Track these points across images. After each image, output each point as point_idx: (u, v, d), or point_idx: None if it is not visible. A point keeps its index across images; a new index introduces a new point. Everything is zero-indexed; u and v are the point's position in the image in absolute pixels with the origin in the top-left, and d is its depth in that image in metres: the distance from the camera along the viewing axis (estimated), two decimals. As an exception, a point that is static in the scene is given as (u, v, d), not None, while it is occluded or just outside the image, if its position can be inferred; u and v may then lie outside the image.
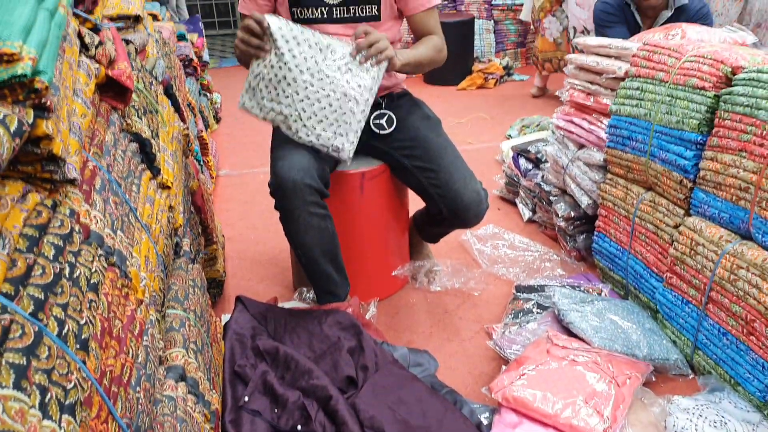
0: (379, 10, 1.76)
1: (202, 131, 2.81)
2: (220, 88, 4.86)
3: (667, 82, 1.70)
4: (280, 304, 1.90)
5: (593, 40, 2.09)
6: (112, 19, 1.51)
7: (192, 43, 3.56)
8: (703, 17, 2.53)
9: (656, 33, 2.08)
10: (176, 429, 0.92)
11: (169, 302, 1.18)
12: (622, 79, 1.92)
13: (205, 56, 4.04)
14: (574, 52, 2.24)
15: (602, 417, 1.30)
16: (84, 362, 0.64)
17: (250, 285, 2.21)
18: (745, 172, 1.43)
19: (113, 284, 0.79)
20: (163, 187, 1.20)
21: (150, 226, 1.06)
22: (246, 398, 1.47)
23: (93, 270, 0.73)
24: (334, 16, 1.75)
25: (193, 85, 3.14)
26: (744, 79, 1.46)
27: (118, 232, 0.88)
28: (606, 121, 2.01)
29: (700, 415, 1.31)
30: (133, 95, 1.14)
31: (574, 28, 4.11)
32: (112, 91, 1.03)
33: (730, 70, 1.52)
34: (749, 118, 1.43)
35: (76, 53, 0.88)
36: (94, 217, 0.81)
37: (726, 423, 1.29)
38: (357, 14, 1.76)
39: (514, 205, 2.75)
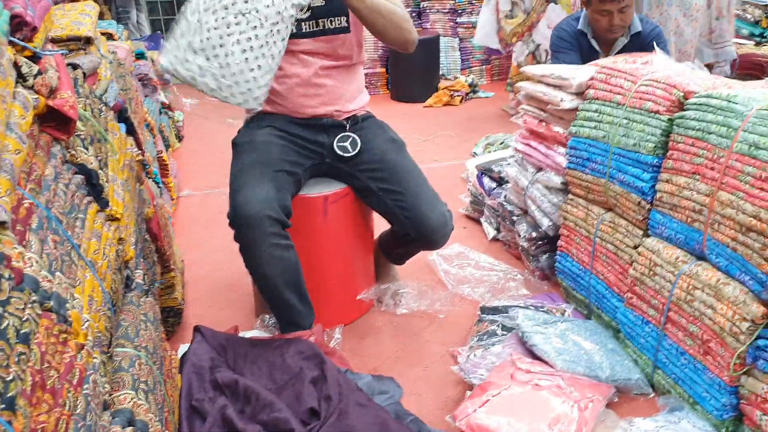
0: (348, 21, 1.74)
1: (161, 152, 2.74)
2: (183, 105, 4.79)
3: (623, 105, 1.73)
4: (241, 333, 1.86)
5: (539, 69, 2.12)
6: (61, 41, 1.46)
7: (152, 61, 3.50)
8: (656, 37, 2.61)
9: (618, 59, 2.11)
10: (123, 477, 0.88)
11: (118, 340, 1.13)
12: (568, 110, 1.95)
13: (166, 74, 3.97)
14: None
15: (565, 443, 1.29)
16: (10, 423, 0.60)
17: (210, 312, 2.15)
18: (699, 195, 1.46)
19: (48, 332, 0.75)
20: (112, 219, 1.16)
21: (96, 262, 1.01)
22: (204, 433, 1.42)
23: (24, 319, 0.69)
24: (303, 30, 1.72)
25: (153, 104, 3.07)
26: (695, 103, 1.50)
27: (57, 273, 0.83)
28: (559, 148, 2.03)
29: (660, 439, 1.31)
30: (79, 124, 1.10)
31: (546, 51, 4.18)
32: (55, 121, 0.99)
33: (682, 94, 1.56)
34: (701, 142, 1.46)
35: (11, 84, 0.84)
36: (29, 259, 0.77)
37: (685, 445, 1.30)
38: (326, 27, 1.74)
39: (480, 223, 2.75)
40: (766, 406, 1.30)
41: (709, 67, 3.59)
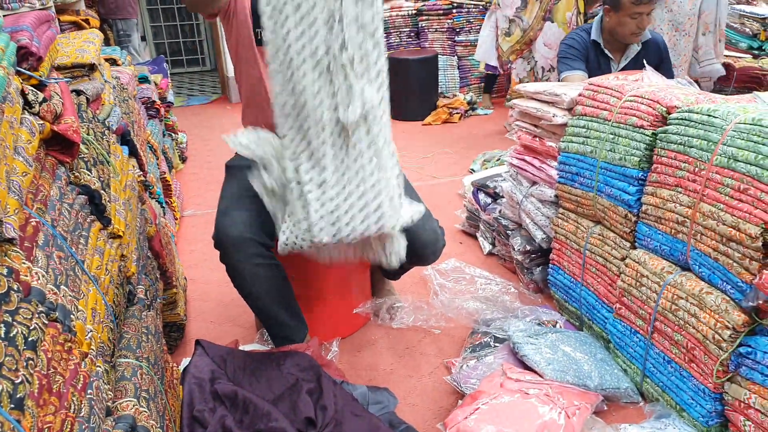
0: None
1: (165, 173, 2.82)
2: (187, 127, 4.88)
3: (610, 120, 1.79)
4: (240, 347, 1.91)
5: (531, 86, 2.20)
6: (66, 68, 1.54)
7: (155, 85, 3.59)
8: (663, 45, 2.73)
9: (619, 76, 2.18)
10: (124, 481, 0.93)
11: (120, 351, 1.18)
12: (560, 125, 2.02)
13: (170, 97, 4.07)
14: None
15: (553, 450, 1.33)
16: (19, 421, 0.65)
17: (212, 327, 2.20)
18: (682, 207, 1.51)
19: (54, 340, 0.80)
20: (114, 236, 1.22)
21: (98, 277, 1.07)
22: (204, 443, 1.46)
23: (32, 328, 0.75)
24: None
25: (156, 126, 3.16)
26: (677, 118, 1.55)
27: (62, 286, 0.89)
28: (552, 162, 2.09)
29: (646, 444, 1.35)
30: (83, 147, 1.17)
31: (542, 67, 4.27)
32: (59, 145, 1.05)
33: (665, 109, 1.62)
34: (683, 156, 1.51)
35: (18, 111, 0.90)
36: (36, 273, 0.83)
37: (670, 451, 1.34)
38: None
39: (476, 238, 2.81)
40: (749, 411, 1.33)
41: (697, 82, 3.67)
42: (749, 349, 1.32)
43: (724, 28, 3.71)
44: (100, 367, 0.96)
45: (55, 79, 1.15)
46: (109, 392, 1.02)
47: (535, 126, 2.19)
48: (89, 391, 0.88)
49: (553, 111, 2.05)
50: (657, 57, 2.73)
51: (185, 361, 1.77)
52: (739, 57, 4.51)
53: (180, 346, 2.06)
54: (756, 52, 4.59)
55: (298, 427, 1.53)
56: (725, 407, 1.42)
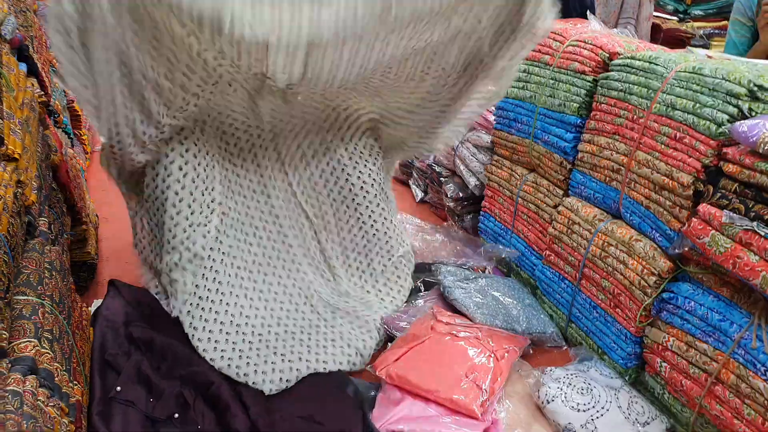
0: None
1: (73, 102, 2.55)
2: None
3: (551, 65, 1.76)
4: (158, 288, 1.78)
5: None
6: (-52, -37, 1.31)
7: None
8: None
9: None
10: (22, 426, 0.82)
11: (18, 287, 1.05)
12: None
13: (81, 19, 3.67)
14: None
15: (481, 390, 1.33)
16: None
17: (127, 268, 2.05)
18: (618, 155, 1.51)
19: (-73, 268, 0.67)
20: (9, 159, 1.06)
21: (-12, 202, 0.92)
22: (118, 388, 1.36)
23: None
24: None
25: (64, 49, 2.84)
26: (619, 64, 1.54)
27: (-62, 207, 0.75)
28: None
29: (569, 384, 1.38)
30: (-33, 51, 0.99)
31: None
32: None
33: (607, 55, 1.59)
34: (623, 103, 1.50)
35: None
36: None
37: (592, 389, 1.37)
38: None
39: (408, 186, 2.77)
40: (666, 353, 1.38)
41: None
42: (671, 295, 1.36)
43: None
44: (-11, 303, 0.84)
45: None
46: (4, 332, 0.90)
47: (475, 70, 2.13)
48: (-25, 330, 0.76)
49: None
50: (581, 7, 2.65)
51: (97, 303, 1.64)
52: (667, 18, 4.64)
53: (91, 287, 1.91)
54: (681, 15, 4.73)
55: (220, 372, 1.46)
56: (644, 350, 1.47)
